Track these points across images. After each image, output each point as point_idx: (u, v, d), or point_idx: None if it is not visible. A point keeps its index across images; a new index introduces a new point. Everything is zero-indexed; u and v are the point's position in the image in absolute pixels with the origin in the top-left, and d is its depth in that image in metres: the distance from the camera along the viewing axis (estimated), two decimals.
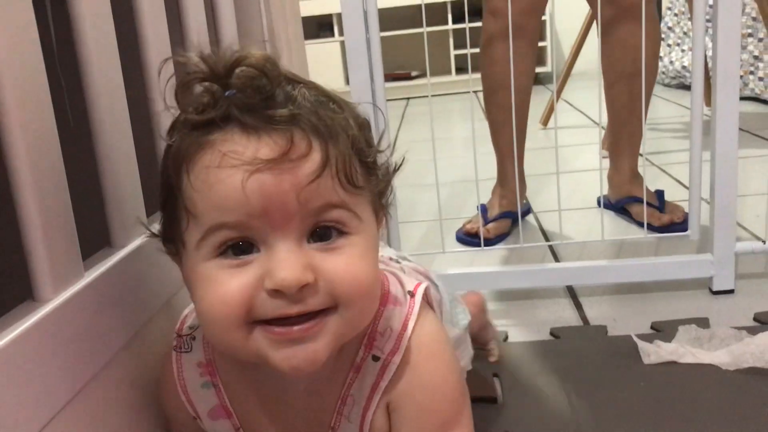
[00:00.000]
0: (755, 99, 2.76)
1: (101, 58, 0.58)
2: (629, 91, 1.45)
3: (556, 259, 1.37)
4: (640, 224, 1.39)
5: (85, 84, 0.58)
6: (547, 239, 1.48)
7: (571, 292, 1.21)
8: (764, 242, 1.15)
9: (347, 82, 2.89)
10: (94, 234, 0.59)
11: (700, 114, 1.14)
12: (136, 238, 0.62)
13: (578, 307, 1.16)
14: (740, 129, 1.14)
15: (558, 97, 2.71)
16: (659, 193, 1.48)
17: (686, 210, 1.27)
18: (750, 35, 2.75)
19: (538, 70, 3.88)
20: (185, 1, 0.77)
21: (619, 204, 1.56)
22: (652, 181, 1.86)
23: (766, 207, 1.46)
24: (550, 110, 2.67)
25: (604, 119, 1.57)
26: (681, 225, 1.40)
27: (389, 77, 3.64)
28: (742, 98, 2.82)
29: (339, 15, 4.00)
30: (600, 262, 1.18)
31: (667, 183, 1.84)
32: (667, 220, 1.42)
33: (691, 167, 1.15)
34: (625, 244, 1.37)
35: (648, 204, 1.29)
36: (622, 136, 1.54)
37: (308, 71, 1.22)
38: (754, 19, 2.69)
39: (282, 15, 1.05)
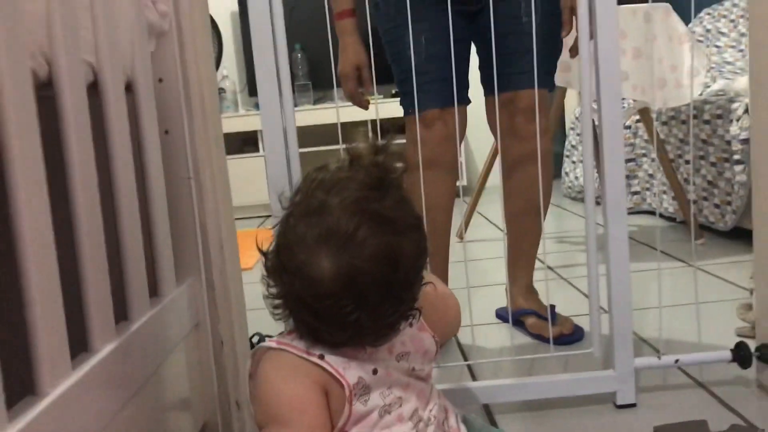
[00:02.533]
0: (652, 213, 2.97)
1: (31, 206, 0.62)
2: (525, 214, 1.59)
3: (473, 376, 1.42)
4: (534, 335, 1.53)
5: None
6: (463, 354, 1.54)
7: (487, 409, 1.26)
8: (659, 358, 1.23)
9: None
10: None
11: (593, 233, 1.23)
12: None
13: (493, 423, 1.20)
14: (639, 242, 1.24)
15: (472, 210, 2.85)
16: (551, 308, 1.58)
17: (585, 323, 1.36)
18: (644, 155, 2.99)
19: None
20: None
21: (515, 316, 1.65)
22: (560, 292, 1.97)
23: (666, 320, 1.57)
24: (467, 223, 2.80)
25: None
26: (570, 336, 1.53)
27: None
28: (641, 212, 3.04)
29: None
30: (512, 381, 1.24)
31: (574, 295, 1.94)
32: (557, 333, 1.51)
33: (589, 287, 1.24)
34: (529, 358, 1.45)
35: (540, 316, 1.40)
36: (519, 254, 1.66)
37: (230, 192, 1.26)
38: (646, 141, 2.94)
39: (207, 148, 1.11)
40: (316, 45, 3.89)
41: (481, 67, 1.61)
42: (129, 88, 0.88)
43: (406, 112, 1.55)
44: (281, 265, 0.71)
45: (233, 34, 4.37)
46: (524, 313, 1.64)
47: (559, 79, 2.17)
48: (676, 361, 1.24)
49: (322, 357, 0.71)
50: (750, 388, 1.25)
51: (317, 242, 0.69)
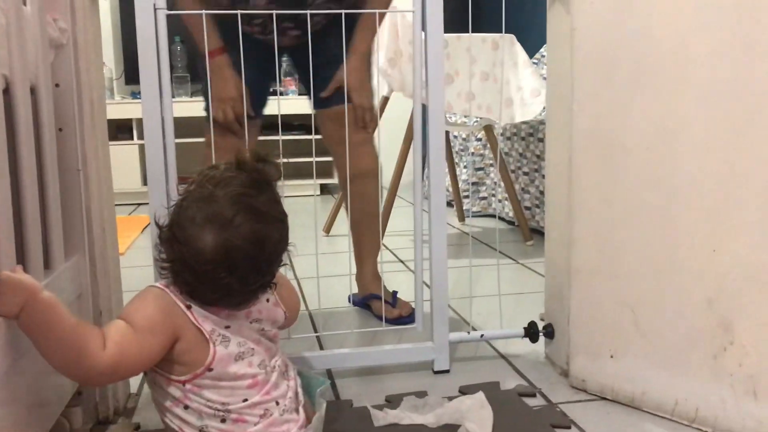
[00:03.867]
0: (494, 216, 3.34)
1: None
2: (364, 213, 1.92)
3: (321, 346, 1.67)
4: (379, 317, 1.82)
5: None
6: (315, 330, 1.78)
7: (330, 374, 1.50)
8: (468, 332, 1.53)
9: (144, 182, 3.20)
10: None
11: (419, 232, 1.50)
12: None
13: (333, 386, 1.45)
14: (481, 241, 1.52)
15: (339, 207, 3.09)
16: (394, 293, 1.90)
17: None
18: (491, 165, 3.36)
19: (327, 181, 4.31)
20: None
21: (364, 300, 1.96)
22: (408, 281, 2.25)
23: (485, 306, 1.88)
24: (332, 219, 3.05)
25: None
26: (408, 318, 1.84)
27: (182, 180, 3.83)
28: (486, 215, 3.40)
29: (138, 120, 4.19)
30: (350, 350, 1.49)
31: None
32: (397, 314, 1.85)
33: (415, 275, 1.51)
34: (372, 333, 1.71)
35: (384, 301, 1.70)
36: (363, 247, 1.96)
37: (112, 182, 1.43)
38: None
39: (94, 143, 1.28)
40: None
41: (307, 88, 1.83)
42: (32, 91, 1.04)
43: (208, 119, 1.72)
44: (174, 237, 0.94)
45: (111, 21, 4.39)
46: (371, 297, 1.93)
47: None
48: (482, 335, 1.54)
49: (189, 307, 0.94)
50: (539, 358, 1.57)
51: (204, 222, 0.92)
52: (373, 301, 1.93)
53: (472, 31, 1.62)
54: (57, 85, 1.16)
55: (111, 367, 0.88)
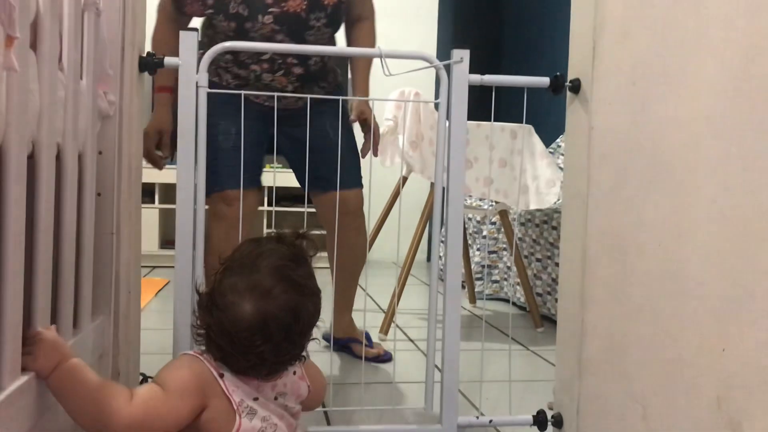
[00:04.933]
0: (507, 300, 3.35)
1: None
2: (351, 275, 2.21)
3: (328, 422, 1.67)
4: (358, 357, 2.13)
5: None
6: (324, 405, 1.78)
7: None
8: (477, 417, 1.54)
9: (161, 246, 3.28)
10: None
11: (434, 313, 1.53)
12: None
13: None
14: (492, 325, 1.54)
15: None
16: (368, 335, 2.25)
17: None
18: (504, 249, 3.40)
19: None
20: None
21: (345, 343, 2.25)
22: (419, 360, 2.26)
23: (494, 390, 1.89)
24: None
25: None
26: (384, 356, 2.20)
27: None
28: (499, 299, 3.41)
29: (161, 184, 4.30)
30: (356, 428, 1.50)
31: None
32: (375, 353, 2.19)
33: (427, 359, 1.53)
34: (380, 412, 1.72)
35: (361, 342, 2.07)
36: (346, 301, 2.28)
37: (140, 247, 1.47)
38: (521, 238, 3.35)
39: (128, 209, 1.33)
40: None
41: (298, 171, 2.14)
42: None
43: (209, 192, 1.86)
44: (213, 302, 0.97)
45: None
46: (351, 341, 2.25)
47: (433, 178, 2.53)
48: (491, 421, 1.54)
49: (221, 376, 0.97)
50: None
51: (244, 290, 0.97)
52: (353, 344, 2.23)
53: (489, 119, 1.70)
54: (100, 153, 1.23)
55: (137, 422, 0.90)
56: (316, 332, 1.05)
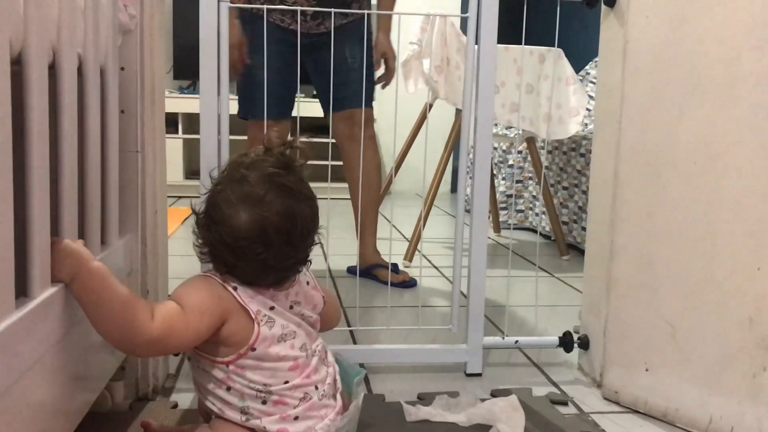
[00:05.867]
0: (533, 230, 3.33)
1: None
2: (369, 200, 2.27)
3: (354, 340, 1.69)
4: (384, 283, 2.16)
5: None
6: (349, 325, 1.80)
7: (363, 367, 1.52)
8: (503, 338, 1.54)
9: (186, 176, 3.35)
10: None
11: (460, 240, 1.52)
12: None
13: (366, 380, 1.47)
14: (517, 254, 1.54)
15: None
16: (394, 265, 2.28)
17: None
18: (530, 178, 3.36)
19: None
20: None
21: (369, 269, 2.29)
22: (443, 286, 2.27)
23: (519, 316, 1.89)
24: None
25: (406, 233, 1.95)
26: (409, 282, 2.25)
27: None
28: (524, 228, 3.40)
29: (184, 114, 4.28)
30: (382, 346, 1.51)
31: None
32: (401, 279, 2.25)
33: (453, 281, 1.53)
34: (406, 332, 1.73)
35: (385, 268, 2.13)
36: (367, 227, 2.30)
37: (165, 167, 1.47)
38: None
39: (152, 128, 1.32)
40: None
41: (320, 95, 2.28)
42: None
43: (245, 117, 2.17)
44: (211, 218, 0.97)
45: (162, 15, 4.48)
46: (376, 266, 2.28)
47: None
48: (516, 342, 1.54)
49: (235, 288, 0.97)
50: (571, 368, 1.57)
51: (238, 201, 0.96)
52: (377, 270, 2.27)
53: (519, 42, 1.64)
54: (122, 69, 1.21)
55: (158, 339, 0.91)
56: (318, 238, 1.05)
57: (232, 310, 0.97)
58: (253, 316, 0.97)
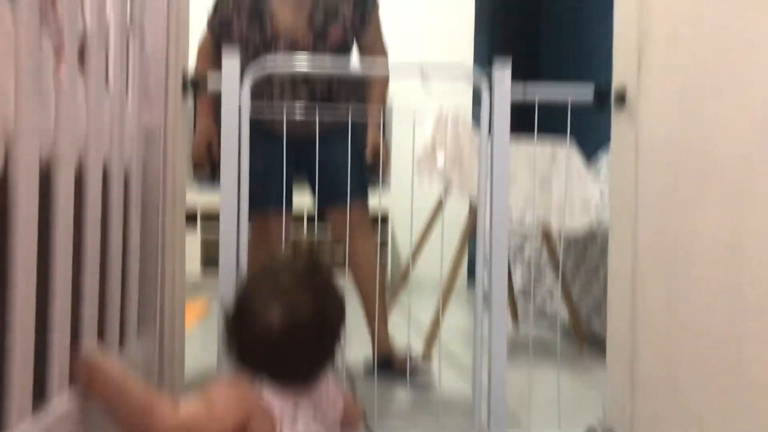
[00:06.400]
0: (554, 321, 3.29)
1: None
2: (373, 293, 2.23)
3: None
4: (398, 372, 2.11)
5: None
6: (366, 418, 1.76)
7: None
8: None
9: (203, 266, 3.25)
10: None
11: (479, 333, 1.50)
12: None
13: None
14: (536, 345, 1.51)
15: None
16: (410, 354, 2.16)
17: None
18: (548, 267, 3.34)
19: None
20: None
21: (383, 360, 2.17)
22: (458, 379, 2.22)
23: (539, 409, 1.84)
24: None
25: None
26: (427, 375, 2.16)
27: None
28: (542, 318, 3.35)
29: (202, 212, 4.34)
30: None
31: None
32: (416, 371, 2.14)
33: (474, 380, 1.50)
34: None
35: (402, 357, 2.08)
36: (375, 315, 2.22)
37: (185, 266, 1.48)
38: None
39: (172, 228, 1.34)
40: None
41: (312, 189, 2.23)
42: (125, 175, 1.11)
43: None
44: (241, 317, 0.97)
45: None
46: (390, 357, 2.19)
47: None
48: None
49: (260, 388, 0.97)
50: None
51: (270, 302, 0.97)
52: (392, 359, 2.18)
53: (528, 132, 1.67)
54: (145, 169, 1.24)
55: None
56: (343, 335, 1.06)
57: (256, 412, 0.96)
58: (276, 416, 0.96)
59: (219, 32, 2.08)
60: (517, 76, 1.49)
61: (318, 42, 2.05)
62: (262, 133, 1.81)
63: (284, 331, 0.96)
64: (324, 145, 1.92)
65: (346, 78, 2.15)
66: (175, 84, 1.31)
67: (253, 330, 0.98)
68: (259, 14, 2.03)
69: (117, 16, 1.03)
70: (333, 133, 2.12)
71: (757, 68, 1.14)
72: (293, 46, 2.04)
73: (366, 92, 2.23)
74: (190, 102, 2.52)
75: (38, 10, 0.70)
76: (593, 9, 4.09)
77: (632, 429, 1.36)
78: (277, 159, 2.02)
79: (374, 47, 2.17)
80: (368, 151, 2.21)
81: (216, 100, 1.66)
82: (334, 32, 2.06)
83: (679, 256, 1.28)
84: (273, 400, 0.98)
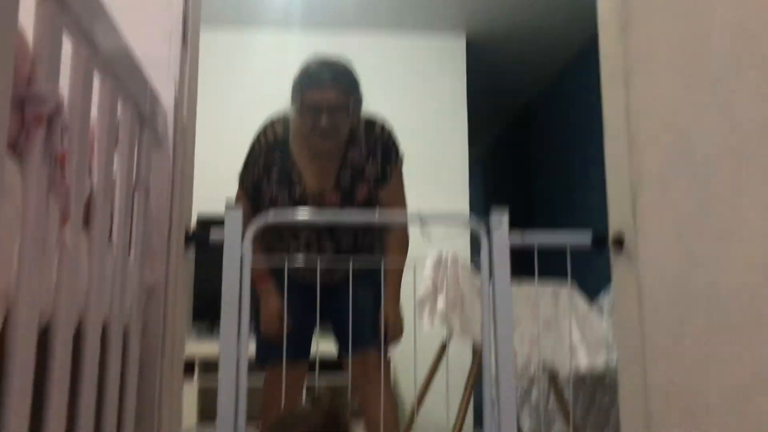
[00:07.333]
0: None
1: None
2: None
3: None
4: None
5: None
6: None
7: None
8: None
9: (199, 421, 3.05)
10: None
11: None
12: None
13: None
14: None
15: None
16: None
17: None
18: (558, 410, 3.23)
19: None
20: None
21: None
22: None
23: None
24: None
25: None
26: None
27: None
28: None
29: (200, 359, 4.26)
30: None
31: None
32: None
33: None
34: None
35: None
36: None
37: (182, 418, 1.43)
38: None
39: (170, 381, 1.31)
40: None
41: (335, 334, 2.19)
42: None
43: (263, 362, 2.04)
44: None
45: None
46: None
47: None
48: None
49: None
50: None
51: None
52: None
53: (529, 275, 1.67)
54: (145, 326, 1.23)
55: None
56: None
57: None
58: None
59: (252, 194, 2.09)
60: (513, 220, 1.51)
61: (345, 201, 2.08)
62: (293, 284, 1.82)
63: None
64: (347, 291, 1.88)
65: (371, 229, 2.16)
66: (178, 240, 1.33)
67: None
68: (287, 176, 2.05)
69: (123, 175, 1.06)
70: (359, 278, 2.08)
71: (748, 206, 1.16)
72: (322, 207, 2.06)
73: (386, 243, 2.21)
74: (192, 255, 2.52)
75: (47, 178, 0.72)
76: (583, 153, 4.23)
77: None
78: (303, 308, 2.00)
79: (391, 201, 2.16)
80: (382, 319, 2.12)
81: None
82: (361, 190, 2.09)
83: (694, 404, 1.24)
84: None
